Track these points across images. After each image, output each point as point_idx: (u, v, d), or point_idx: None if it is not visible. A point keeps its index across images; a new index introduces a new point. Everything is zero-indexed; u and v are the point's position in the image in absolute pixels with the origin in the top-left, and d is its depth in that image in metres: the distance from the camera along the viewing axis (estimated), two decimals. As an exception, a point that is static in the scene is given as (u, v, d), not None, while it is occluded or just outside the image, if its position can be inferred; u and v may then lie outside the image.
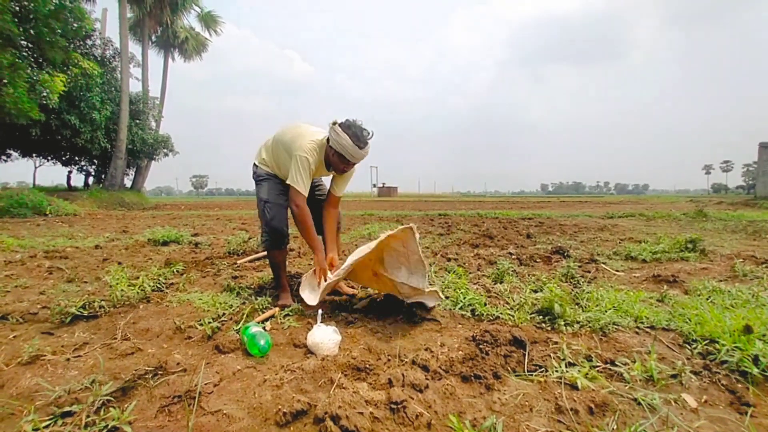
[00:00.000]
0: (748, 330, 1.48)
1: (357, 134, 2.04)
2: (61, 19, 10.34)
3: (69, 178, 18.49)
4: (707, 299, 2.08)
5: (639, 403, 1.17)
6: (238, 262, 3.34)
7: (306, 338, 1.63)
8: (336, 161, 2.12)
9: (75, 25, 11.36)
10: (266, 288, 2.49)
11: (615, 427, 1.04)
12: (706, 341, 1.54)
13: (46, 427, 1.04)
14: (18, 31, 9.39)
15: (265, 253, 3.70)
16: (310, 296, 2.14)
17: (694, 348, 1.52)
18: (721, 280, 2.56)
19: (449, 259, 3.44)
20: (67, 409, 1.11)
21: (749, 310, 1.77)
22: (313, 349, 1.56)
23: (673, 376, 1.33)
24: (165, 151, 20.40)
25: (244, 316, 1.94)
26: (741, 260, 3.15)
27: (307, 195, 2.12)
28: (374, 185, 48.19)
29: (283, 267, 2.30)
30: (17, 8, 9.44)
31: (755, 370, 1.30)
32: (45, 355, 1.49)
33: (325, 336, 1.57)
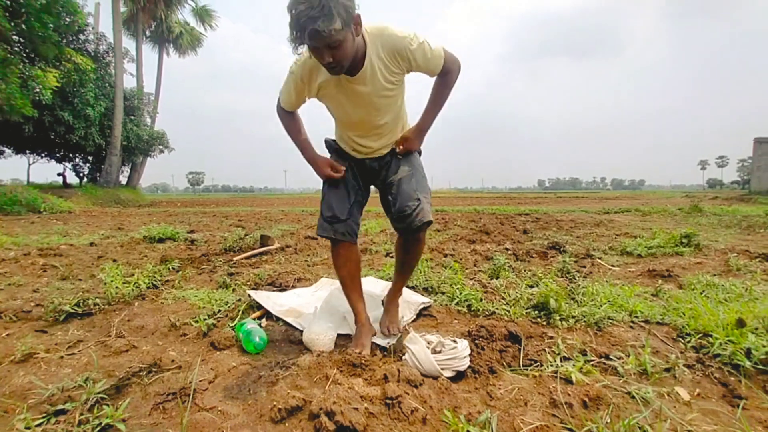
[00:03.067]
0: (740, 323, 1.49)
1: None
2: (53, 13, 10.18)
3: (64, 175, 18.35)
4: (701, 293, 2.09)
5: (633, 397, 1.17)
6: (234, 259, 3.33)
7: (302, 334, 1.63)
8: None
9: (67, 19, 11.20)
10: (262, 285, 2.48)
11: (609, 421, 1.05)
12: (700, 335, 1.55)
13: (39, 425, 1.04)
14: (9, 26, 9.26)
15: (261, 249, 3.70)
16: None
17: (688, 342, 1.53)
18: (715, 275, 2.58)
19: (446, 255, 3.45)
20: (60, 407, 1.11)
21: (742, 304, 1.78)
22: (309, 345, 1.56)
23: (667, 370, 1.34)
24: (160, 147, 20.27)
25: (240, 312, 1.93)
26: (735, 255, 3.17)
27: (288, 106, 1.59)
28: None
29: (348, 283, 1.65)
30: (8, 2, 9.28)
31: (747, 363, 1.31)
32: (38, 353, 1.48)
33: (320, 332, 1.57)
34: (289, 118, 1.64)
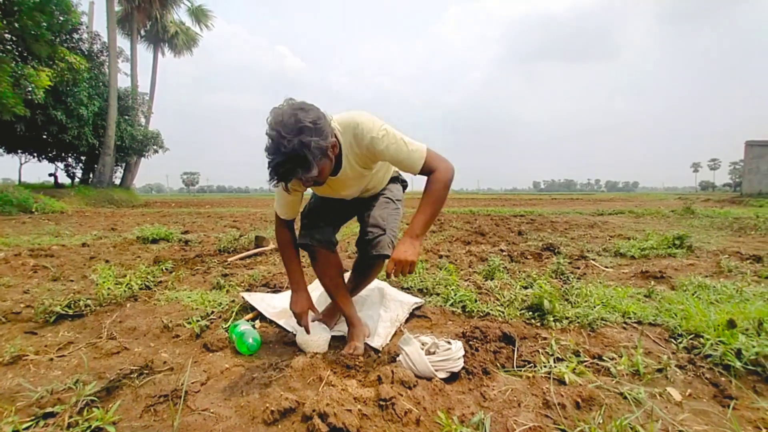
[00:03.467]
0: (731, 324, 1.51)
1: (273, 135, 1.14)
2: (46, 12, 10.08)
3: (55, 175, 18.17)
4: (693, 294, 2.11)
5: (625, 397, 1.18)
6: (229, 260, 3.31)
7: (296, 336, 1.62)
8: None
9: (61, 18, 11.09)
10: (256, 286, 2.46)
11: (601, 421, 1.05)
12: (691, 336, 1.56)
13: (27, 428, 1.02)
14: (2, 24, 9.16)
15: (256, 250, 3.68)
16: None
17: (680, 342, 1.55)
18: (706, 276, 2.60)
19: (441, 256, 3.45)
20: (49, 409, 1.09)
21: (733, 305, 1.80)
22: (303, 347, 1.55)
23: (659, 370, 1.34)
24: (155, 147, 20.12)
25: (234, 314, 1.92)
26: (726, 256, 3.20)
27: (285, 216, 1.57)
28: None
29: (333, 290, 1.65)
30: (1, 0, 9.19)
31: (738, 364, 1.32)
32: (27, 355, 1.46)
33: (314, 333, 1.56)
34: (285, 236, 1.59)
